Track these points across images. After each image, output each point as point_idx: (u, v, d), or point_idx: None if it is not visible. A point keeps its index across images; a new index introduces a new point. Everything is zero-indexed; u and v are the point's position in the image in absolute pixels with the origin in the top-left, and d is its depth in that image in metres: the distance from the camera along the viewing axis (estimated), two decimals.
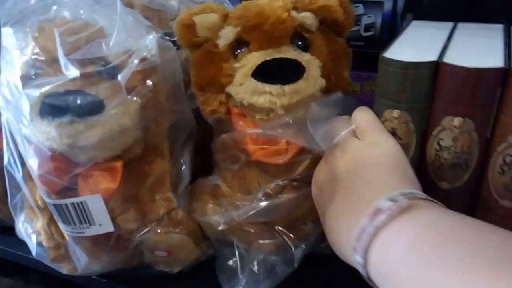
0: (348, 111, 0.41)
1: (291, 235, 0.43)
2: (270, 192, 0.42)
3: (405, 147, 0.35)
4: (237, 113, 0.41)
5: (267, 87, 0.37)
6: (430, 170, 0.35)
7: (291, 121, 0.39)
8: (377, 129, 0.35)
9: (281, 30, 0.38)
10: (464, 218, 0.27)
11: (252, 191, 0.43)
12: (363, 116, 0.37)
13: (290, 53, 0.38)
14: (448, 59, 0.32)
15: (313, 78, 0.38)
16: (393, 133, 0.35)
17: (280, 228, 0.44)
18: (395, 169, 0.32)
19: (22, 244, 0.48)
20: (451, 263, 0.23)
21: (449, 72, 0.31)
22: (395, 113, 0.34)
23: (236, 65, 0.38)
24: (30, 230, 0.45)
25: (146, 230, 0.42)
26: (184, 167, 0.47)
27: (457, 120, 0.32)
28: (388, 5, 0.58)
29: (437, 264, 0.24)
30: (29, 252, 0.47)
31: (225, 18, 0.40)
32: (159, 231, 0.43)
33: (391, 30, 0.59)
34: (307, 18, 0.39)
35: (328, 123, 0.39)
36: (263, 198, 0.42)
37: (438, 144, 0.34)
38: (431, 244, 0.25)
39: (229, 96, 0.40)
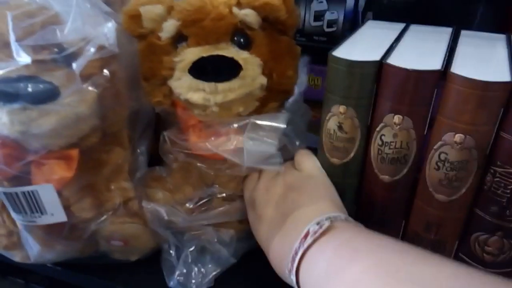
0: (303, 118, 0.43)
1: (223, 228, 0.45)
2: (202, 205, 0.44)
3: (350, 141, 0.37)
4: (181, 106, 0.41)
5: (201, 84, 0.37)
6: (373, 163, 0.38)
7: (235, 125, 0.40)
8: (314, 164, 0.41)
9: (220, 26, 0.38)
10: (377, 236, 0.32)
11: (195, 186, 0.45)
12: (304, 153, 0.43)
13: (228, 50, 0.38)
14: (392, 60, 0.34)
15: (250, 77, 0.38)
16: (340, 127, 0.37)
17: None
18: (326, 197, 0.38)
19: None
20: (357, 275, 0.27)
21: (391, 73, 0.33)
22: (342, 108, 0.36)
23: (175, 59, 0.38)
24: None
25: (102, 219, 0.43)
26: (141, 156, 0.47)
27: (397, 118, 0.34)
28: (350, 3, 0.59)
29: (346, 277, 0.28)
30: None
31: (170, 10, 0.40)
32: (115, 220, 0.43)
33: (352, 27, 0.61)
34: (249, 15, 0.38)
35: (265, 146, 0.41)
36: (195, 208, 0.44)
37: (381, 139, 0.36)
38: (345, 259, 0.29)
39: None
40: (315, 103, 0.48)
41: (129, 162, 0.46)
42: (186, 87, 0.38)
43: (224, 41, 0.38)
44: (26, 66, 0.34)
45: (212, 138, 0.42)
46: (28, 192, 0.37)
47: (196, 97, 0.38)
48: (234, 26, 0.38)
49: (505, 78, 0.31)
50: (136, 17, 0.40)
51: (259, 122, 0.41)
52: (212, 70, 0.37)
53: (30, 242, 0.41)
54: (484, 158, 0.33)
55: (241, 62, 0.37)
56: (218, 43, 0.38)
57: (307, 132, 0.50)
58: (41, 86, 0.34)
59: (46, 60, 0.35)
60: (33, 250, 0.42)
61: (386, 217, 0.40)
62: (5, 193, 0.37)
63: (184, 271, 0.44)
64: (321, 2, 0.61)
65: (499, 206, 0.34)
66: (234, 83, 0.37)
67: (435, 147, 0.34)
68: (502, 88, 0.31)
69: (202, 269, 0.44)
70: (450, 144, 0.33)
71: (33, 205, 0.38)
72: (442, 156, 0.34)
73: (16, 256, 0.44)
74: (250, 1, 0.38)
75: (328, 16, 0.61)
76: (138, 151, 0.47)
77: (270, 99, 0.42)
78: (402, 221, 0.40)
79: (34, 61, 0.34)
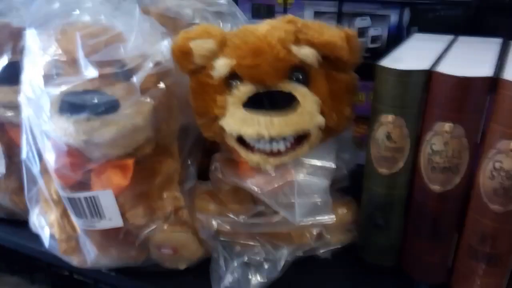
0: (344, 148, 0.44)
1: (274, 241, 0.45)
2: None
3: (399, 150, 0.37)
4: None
5: (256, 117, 0.36)
6: (424, 173, 0.37)
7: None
8: None
9: (278, 68, 0.36)
10: None
11: (244, 203, 0.45)
12: None
13: (285, 85, 0.36)
14: (441, 68, 0.34)
15: (308, 113, 0.37)
16: (388, 136, 0.37)
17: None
18: None
19: (35, 238, 0.50)
20: None
21: (440, 80, 0.33)
22: (390, 117, 0.36)
23: (230, 99, 0.38)
24: (43, 223, 0.48)
25: (153, 226, 0.45)
26: (191, 168, 0.49)
27: (447, 126, 0.34)
28: (394, 18, 0.60)
29: None
30: (41, 245, 0.49)
31: (222, 44, 0.39)
32: (165, 228, 0.45)
33: (397, 42, 0.61)
34: (308, 56, 0.36)
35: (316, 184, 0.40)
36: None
37: (431, 148, 0.36)
38: None
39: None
40: (359, 118, 0.49)
41: (179, 173, 0.48)
42: (240, 122, 0.37)
43: (281, 80, 0.37)
44: (91, 80, 0.38)
45: (261, 176, 0.41)
46: (90, 197, 0.40)
47: (250, 131, 0.36)
48: (292, 65, 0.37)
49: None
50: (186, 53, 0.39)
51: (309, 162, 0.41)
52: (268, 102, 0.36)
53: (88, 246, 0.44)
54: None
55: (298, 97, 0.36)
56: (276, 83, 0.37)
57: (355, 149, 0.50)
58: (103, 98, 0.37)
59: (108, 75, 0.38)
60: (90, 255, 0.44)
61: (437, 230, 0.39)
62: (68, 198, 0.40)
63: (231, 282, 0.44)
64: (365, 19, 0.62)
65: None
66: (291, 117, 0.36)
67: (489, 155, 0.34)
68: None
69: (248, 282, 0.45)
70: (505, 152, 0.32)
71: (94, 209, 0.40)
72: (497, 165, 0.33)
73: (74, 261, 0.47)
74: (309, 38, 0.36)
75: (372, 32, 0.62)
76: (189, 162, 0.49)
77: (325, 139, 0.41)
78: (455, 234, 0.39)
79: (98, 76, 0.38)
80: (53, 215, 0.46)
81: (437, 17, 0.55)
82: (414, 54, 0.40)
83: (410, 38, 0.46)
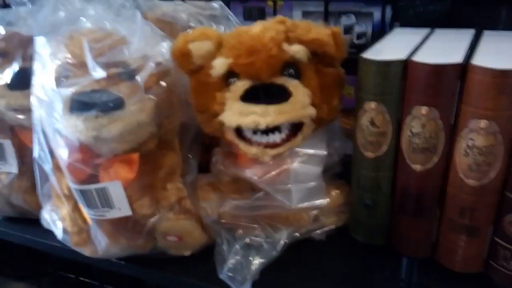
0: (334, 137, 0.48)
1: (274, 223, 0.48)
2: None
3: (382, 135, 0.41)
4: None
5: (252, 107, 0.39)
6: (405, 154, 0.41)
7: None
8: None
9: (271, 64, 0.39)
10: None
11: (244, 192, 0.48)
12: None
13: (278, 80, 0.40)
14: (416, 57, 0.38)
15: (300, 103, 0.40)
16: (372, 122, 0.41)
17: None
18: None
19: (47, 234, 0.54)
20: None
21: (416, 69, 0.37)
22: (373, 104, 0.40)
23: (228, 94, 0.41)
24: (55, 217, 0.51)
25: (159, 215, 0.48)
26: (192, 161, 0.53)
27: (424, 109, 0.37)
28: (377, 15, 0.63)
29: None
30: (53, 240, 0.53)
31: (219, 45, 0.42)
32: (170, 217, 0.48)
33: (381, 38, 0.65)
34: (298, 52, 0.40)
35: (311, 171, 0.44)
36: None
37: (410, 131, 0.39)
38: None
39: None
40: (348, 111, 0.52)
41: (181, 167, 0.51)
42: (237, 113, 0.40)
43: (275, 75, 0.40)
44: (98, 81, 0.41)
45: (259, 166, 0.45)
46: (100, 188, 0.43)
47: (247, 120, 0.39)
48: (284, 61, 0.40)
49: None
50: (185, 54, 0.42)
51: (302, 150, 0.44)
52: (264, 94, 0.39)
53: (99, 236, 0.47)
54: (510, 142, 0.36)
55: (291, 89, 0.39)
56: (270, 78, 0.40)
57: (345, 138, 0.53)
58: (110, 97, 0.41)
59: (113, 75, 0.42)
60: (101, 244, 0.47)
61: (421, 207, 0.43)
62: (80, 190, 0.43)
63: (233, 263, 0.48)
64: (350, 16, 0.66)
65: None
66: (285, 107, 0.39)
67: (462, 134, 0.37)
68: None
69: (249, 262, 0.48)
70: (476, 131, 0.36)
71: (104, 200, 0.43)
72: (470, 143, 0.37)
73: (86, 251, 0.50)
74: (298, 36, 0.40)
75: (357, 29, 0.66)
76: (190, 156, 0.52)
77: (316, 128, 0.44)
78: (437, 209, 0.43)
79: (104, 77, 0.41)
80: (65, 209, 0.49)
81: (416, 13, 0.59)
82: (393, 47, 0.44)
83: (391, 32, 0.50)
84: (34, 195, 0.56)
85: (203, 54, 0.42)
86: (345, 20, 0.66)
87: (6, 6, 0.91)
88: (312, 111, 0.42)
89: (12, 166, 0.54)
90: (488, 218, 0.40)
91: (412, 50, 0.40)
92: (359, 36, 0.66)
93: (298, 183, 0.45)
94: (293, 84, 0.40)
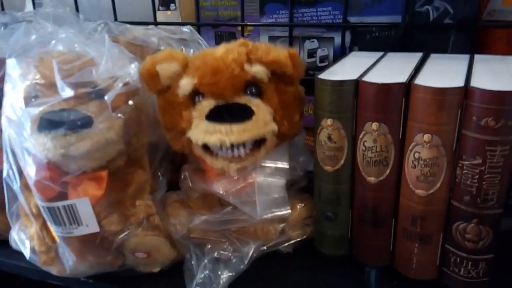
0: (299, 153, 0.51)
1: (242, 237, 0.50)
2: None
3: (339, 149, 0.44)
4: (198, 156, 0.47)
5: (217, 126, 0.41)
6: (361, 167, 0.44)
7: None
8: None
9: (234, 84, 0.42)
10: None
11: (212, 208, 0.50)
12: None
13: (241, 99, 0.42)
14: (366, 78, 0.41)
15: (262, 121, 0.42)
16: (329, 138, 0.43)
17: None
18: None
19: (16, 255, 0.54)
20: None
21: (366, 87, 0.40)
22: (329, 121, 0.43)
23: (194, 113, 0.43)
24: (23, 237, 0.51)
25: (127, 232, 0.49)
26: (161, 178, 0.54)
27: (374, 125, 0.40)
28: (337, 40, 0.68)
29: None
30: (22, 261, 0.53)
31: (185, 66, 0.44)
32: (139, 233, 0.49)
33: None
34: (259, 72, 0.42)
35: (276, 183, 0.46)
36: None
37: (364, 145, 0.42)
38: None
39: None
40: (311, 129, 0.55)
41: (150, 184, 0.53)
42: (203, 132, 0.42)
43: (238, 94, 0.43)
44: (66, 100, 0.43)
45: (226, 180, 0.47)
46: (68, 205, 0.44)
47: (213, 139, 0.41)
48: (246, 81, 0.43)
49: (459, 84, 0.37)
50: (153, 75, 0.44)
51: (266, 164, 0.47)
52: (227, 113, 0.41)
53: (66, 254, 0.47)
54: (452, 153, 0.39)
55: (253, 107, 0.42)
56: (233, 97, 0.42)
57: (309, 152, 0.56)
58: (78, 115, 0.42)
59: (82, 95, 0.43)
60: (69, 263, 0.47)
61: (377, 217, 0.45)
62: (48, 208, 0.44)
63: (202, 278, 0.49)
64: (313, 41, 0.70)
65: (471, 195, 0.39)
66: (247, 125, 0.41)
67: (409, 147, 0.40)
68: (457, 92, 0.37)
69: (218, 276, 0.49)
70: (421, 144, 0.39)
71: (71, 217, 0.44)
72: (416, 155, 0.40)
73: (54, 270, 0.50)
74: (259, 57, 0.43)
75: (320, 53, 0.69)
76: (159, 174, 0.54)
77: (279, 143, 0.47)
78: (392, 219, 0.45)
79: (72, 97, 0.43)
80: (33, 228, 0.49)
81: (373, 38, 0.63)
82: (348, 68, 0.47)
83: (348, 55, 0.54)
84: (2, 215, 0.56)
85: (170, 75, 0.45)
86: (309, 45, 0.70)
87: None
88: (273, 127, 0.44)
89: None
90: (438, 226, 0.43)
91: (364, 71, 0.44)
92: (322, 59, 0.70)
93: (263, 195, 0.47)
94: (255, 103, 0.43)
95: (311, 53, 0.70)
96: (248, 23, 0.69)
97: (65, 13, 0.56)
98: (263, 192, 0.47)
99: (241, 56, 0.43)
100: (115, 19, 0.73)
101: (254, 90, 0.44)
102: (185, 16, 0.90)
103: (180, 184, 0.52)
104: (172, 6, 0.77)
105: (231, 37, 0.75)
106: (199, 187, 0.50)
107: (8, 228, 0.54)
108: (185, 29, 0.65)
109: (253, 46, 0.45)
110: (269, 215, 0.47)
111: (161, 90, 0.46)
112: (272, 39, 0.71)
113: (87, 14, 0.57)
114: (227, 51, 0.44)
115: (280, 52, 0.43)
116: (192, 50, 0.62)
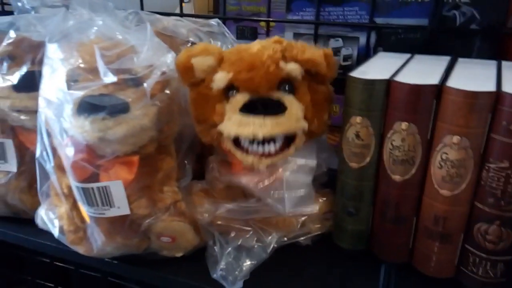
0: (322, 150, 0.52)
1: (265, 227, 0.51)
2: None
3: (366, 147, 0.45)
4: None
5: (250, 118, 0.42)
6: (386, 165, 0.45)
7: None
8: None
9: (269, 80, 0.43)
10: None
11: (236, 199, 0.51)
12: None
13: (275, 94, 0.43)
14: (398, 78, 0.42)
15: (294, 116, 0.43)
16: (357, 135, 0.45)
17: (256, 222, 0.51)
18: None
19: (41, 233, 0.56)
20: None
21: (397, 88, 0.41)
22: (358, 119, 0.44)
23: (227, 106, 0.44)
24: (52, 216, 0.53)
25: (154, 216, 0.50)
26: (187, 166, 0.56)
27: (404, 125, 0.42)
28: (362, 40, 0.69)
29: None
30: (47, 239, 0.54)
31: (220, 61, 0.45)
32: (165, 218, 0.51)
33: (365, 60, 0.70)
34: (294, 70, 0.43)
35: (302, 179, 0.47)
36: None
37: (391, 144, 0.43)
38: None
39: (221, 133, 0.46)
40: (334, 127, 0.56)
41: (176, 171, 0.54)
42: (237, 124, 0.43)
43: (272, 90, 0.44)
44: (105, 86, 0.44)
45: (254, 174, 0.48)
46: (102, 187, 0.45)
47: (246, 131, 0.42)
48: (280, 78, 0.44)
49: (491, 88, 0.39)
50: (188, 68, 0.45)
51: (294, 160, 0.48)
52: (261, 107, 0.42)
53: (95, 234, 0.49)
54: (479, 156, 0.40)
55: (286, 103, 0.43)
56: (267, 92, 0.43)
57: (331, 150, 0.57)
58: (117, 101, 0.43)
59: (121, 81, 0.45)
60: (97, 242, 0.49)
61: (399, 214, 0.47)
62: (82, 188, 0.45)
63: (226, 265, 0.50)
64: (338, 40, 0.71)
65: (495, 198, 0.40)
66: (281, 119, 0.42)
67: (437, 148, 0.42)
68: (488, 96, 0.38)
69: (240, 264, 0.50)
70: (450, 145, 0.40)
71: (104, 198, 0.46)
72: (444, 156, 0.41)
73: (81, 250, 0.51)
74: (294, 55, 0.43)
75: (344, 51, 0.70)
76: (185, 162, 0.55)
77: (307, 141, 0.47)
78: (414, 217, 0.46)
79: (112, 83, 0.44)
80: (63, 208, 0.51)
81: (398, 39, 0.64)
82: (377, 68, 0.49)
83: (376, 56, 0.55)
84: (30, 195, 0.58)
85: (204, 69, 0.45)
86: (333, 43, 0.71)
87: (4, 12, 0.93)
88: (304, 124, 0.45)
89: (11, 166, 0.55)
90: (459, 226, 0.44)
91: (394, 72, 0.45)
92: (345, 58, 0.71)
93: (291, 190, 0.48)
94: (288, 99, 0.44)
95: (335, 52, 0.71)
96: (275, 19, 0.69)
97: (99, 0, 0.58)
98: (291, 187, 0.48)
99: (276, 53, 0.44)
100: (141, 8, 0.74)
101: (287, 87, 0.45)
102: (198, 9, 0.91)
103: (206, 174, 0.54)
104: None
105: (252, 32, 0.76)
106: (226, 178, 0.51)
107: (34, 208, 0.56)
108: (213, 22, 0.66)
109: (288, 44, 0.46)
110: (297, 211, 0.48)
111: (194, 83, 0.47)
112: (297, 36, 0.72)
113: (114, 2, 0.58)
114: (262, 48, 0.45)
115: (315, 52, 0.44)
116: (219, 43, 0.63)
